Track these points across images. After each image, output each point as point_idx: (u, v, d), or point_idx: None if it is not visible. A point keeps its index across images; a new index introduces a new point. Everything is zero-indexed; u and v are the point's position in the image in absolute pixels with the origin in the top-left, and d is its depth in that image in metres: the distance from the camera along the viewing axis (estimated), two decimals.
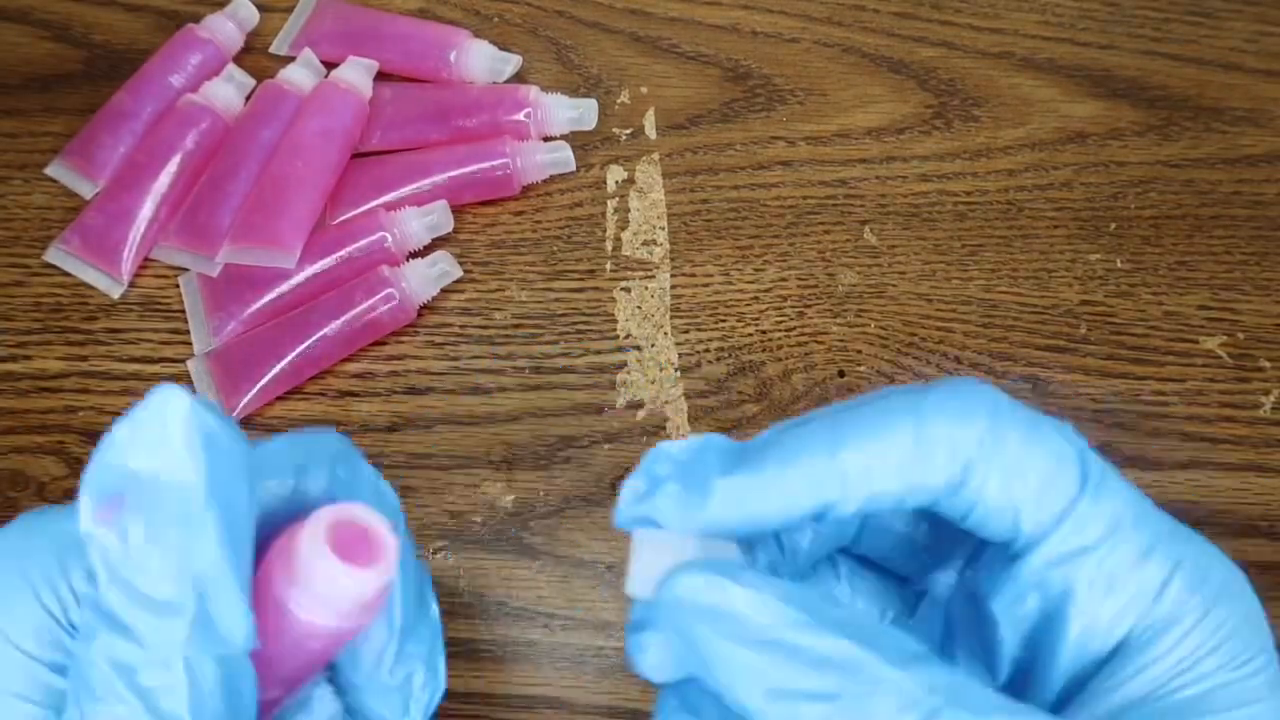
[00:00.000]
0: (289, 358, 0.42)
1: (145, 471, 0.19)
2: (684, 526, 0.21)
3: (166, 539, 0.19)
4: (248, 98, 0.48)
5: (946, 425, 0.21)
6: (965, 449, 0.21)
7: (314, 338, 0.42)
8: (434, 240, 0.45)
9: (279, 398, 0.42)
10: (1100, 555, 0.21)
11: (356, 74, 0.47)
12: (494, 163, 0.46)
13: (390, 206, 0.45)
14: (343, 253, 0.44)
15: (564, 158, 0.47)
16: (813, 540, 0.25)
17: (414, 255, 0.45)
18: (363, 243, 0.44)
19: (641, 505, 0.22)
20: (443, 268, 0.44)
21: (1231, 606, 0.21)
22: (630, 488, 0.22)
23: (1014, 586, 0.21)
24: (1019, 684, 0.22)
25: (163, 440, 0.19)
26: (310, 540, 0.21)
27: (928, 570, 0.25)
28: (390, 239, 0.44)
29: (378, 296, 0.42)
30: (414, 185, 0.46)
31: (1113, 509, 0.21)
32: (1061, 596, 0.21)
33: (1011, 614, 0.22)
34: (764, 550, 0.25)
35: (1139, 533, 0.21)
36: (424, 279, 0.43)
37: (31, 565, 0.22)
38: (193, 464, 0.19)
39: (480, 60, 0.48)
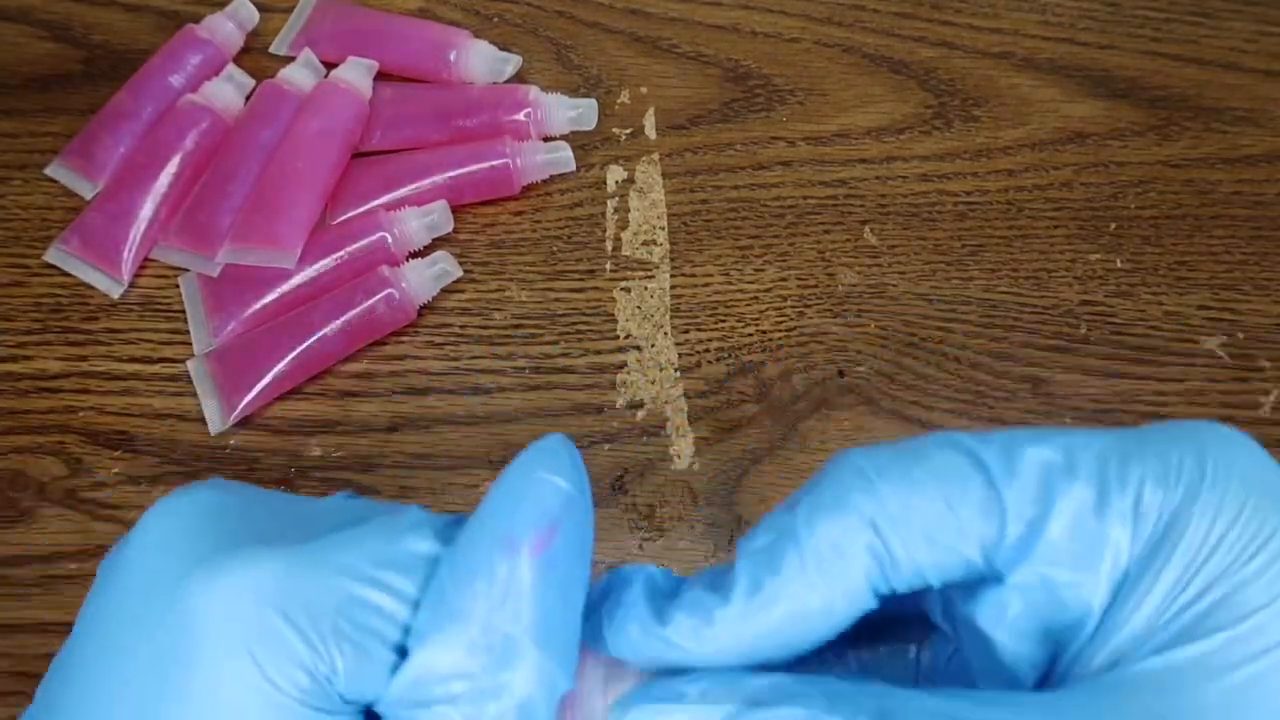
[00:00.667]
0: (289, 358, 0.42)
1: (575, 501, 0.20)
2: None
3: (575, 580, 0.20)
4: (248, 98, 0.48)
5: (829, 540, 0.19)
6: (857, 545, 0.19)
7: (314, 338, 0.42)
8: (434, 240, 0.45)
9: (279, 398, 0.42)
10: (1051, 534, 0.19)
11: (356, 74, 0.47)
12: (494, 163, 0.46)
13: (390, 206, 0.45)
14: (343, 253, 0.44)
15: (564, 158, 0.47)
16: None
17: (414, 255, 0.45)
18: (363, 243, 0.44)
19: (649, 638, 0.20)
20: (443, 267, 0.44)
21: (1223, 487, 0.18)
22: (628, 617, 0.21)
23: (991, 601, 0.20)
24: (1053, 680, 0.20)
25: (575, 480, 0.20)
26: (599, 699, 0.21)
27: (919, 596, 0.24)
28: (390, 239, 0.44)
29: (378, 297, 0.42)
30: (414, 185, 0.46)
31: (1036, 479, 0.19)
32: (1040, 585, 0.19)
33: (1002, 625, 0.20)
34: None
35: (1081, 478, 0.19)
36: (424, 279, 0.43)
37: (292, 603, 0.20)
38: (588, 508, 0.21)
39: (480, 60, 0.48)
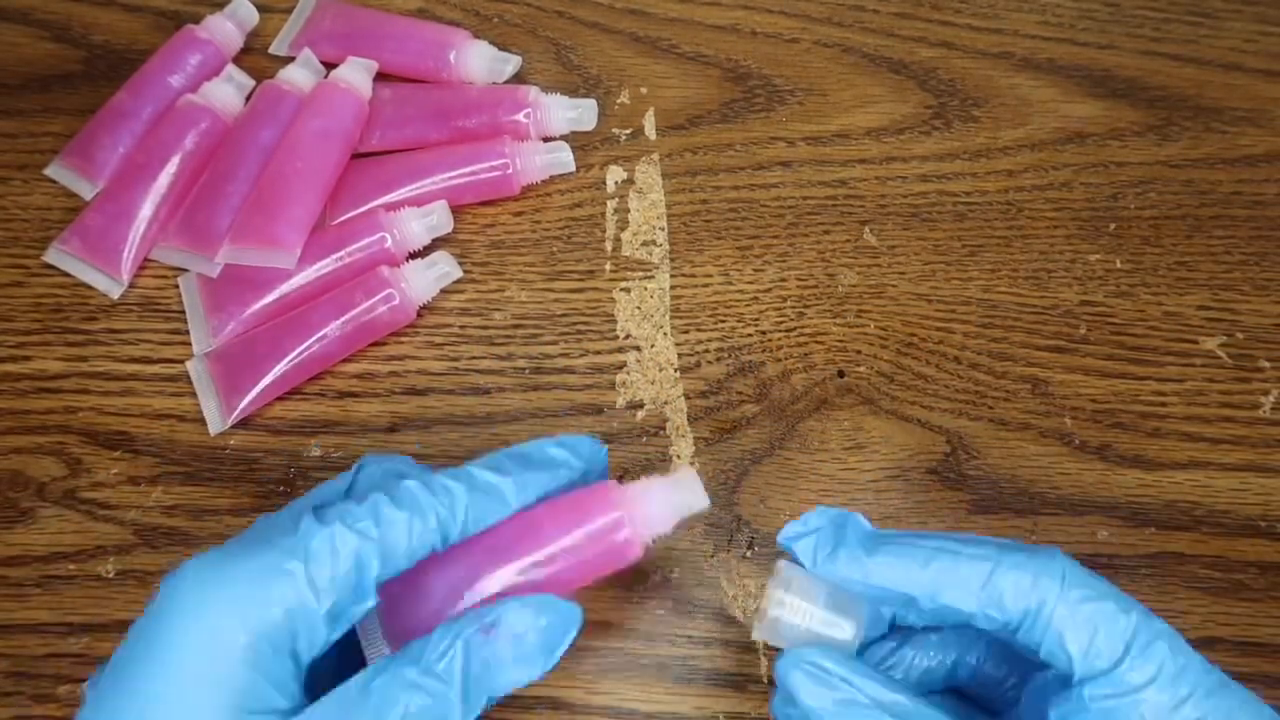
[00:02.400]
0: (289, 358, 0.42)
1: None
2: (826, 570, 0.30)
3: None
4: (247, 98, 0.48)
5: (1014, 575, 0.29)
6: (1028, 597, 0.28)
7: (314, 338, 0.42)
8: (434, 240, 0.45)
9: (279, 398, 0.42)
10: (1142, 696, 0.27)
11: (356, 74, 0.47)
12: (494, 163, 0.46)
13: (390, 207, 0.45)
14: (343, 253, 0.44)
15: (564, 158, 0.47)
16: (921, 658, 0.33)
17: (414, 256, 0.45)
18: (363, 243, 0.44)
19: (802, 542, 0.30)
20: (443, 268, 0.44)
21: None
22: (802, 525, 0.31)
23: (1071, 704, 0.28)
24: None
25: None
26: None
27: (1008, 707, 0.33)
28: (390, 239, 0.44)
29: (378, 297, 0.42)
30: (414, 185, 0.46)
31: (1156, 664, 0.27)
32: (1107, 716, 0.27)
33: None
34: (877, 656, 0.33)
35: (1177, 685, 0.27)
36: (424, 279, 0.43)
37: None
38: None
39: (480, 60, 0.48)
